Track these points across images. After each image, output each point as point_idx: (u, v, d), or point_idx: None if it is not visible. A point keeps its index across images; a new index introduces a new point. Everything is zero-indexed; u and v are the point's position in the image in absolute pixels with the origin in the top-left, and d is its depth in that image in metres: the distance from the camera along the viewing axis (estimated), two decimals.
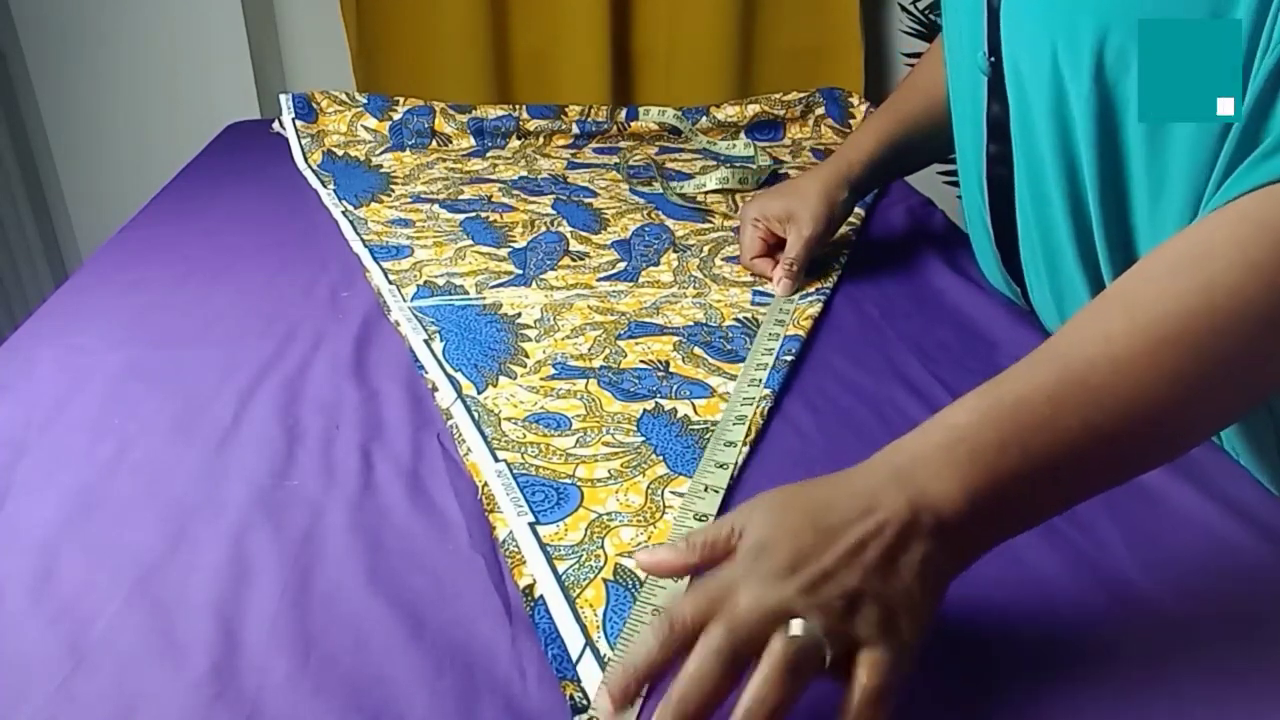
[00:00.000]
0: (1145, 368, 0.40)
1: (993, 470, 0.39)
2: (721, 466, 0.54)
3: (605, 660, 0.41)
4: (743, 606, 0.36)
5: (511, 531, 0.49)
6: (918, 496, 0.38)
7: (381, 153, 1.14)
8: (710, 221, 0.94)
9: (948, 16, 0.73)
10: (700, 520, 0.50)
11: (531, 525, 0.50)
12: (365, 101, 1.20)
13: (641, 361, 0.67)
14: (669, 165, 1.11)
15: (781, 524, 0.38)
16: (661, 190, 1.02)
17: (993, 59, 0.64)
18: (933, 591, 0.38)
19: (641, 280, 0.80)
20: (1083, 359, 0.41)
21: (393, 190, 1.02)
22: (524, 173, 1.08)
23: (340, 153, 1.13)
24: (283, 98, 1.20)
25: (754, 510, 0.40)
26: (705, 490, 0.52)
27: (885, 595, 0.37)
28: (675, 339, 0.70)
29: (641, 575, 0.46)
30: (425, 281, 0.79)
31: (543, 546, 0.48)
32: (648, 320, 0.73)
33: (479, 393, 0.62)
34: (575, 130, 1.19)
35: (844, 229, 0.89)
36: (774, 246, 0.81)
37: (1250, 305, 0.40)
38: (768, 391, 0.62)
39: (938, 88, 0.81)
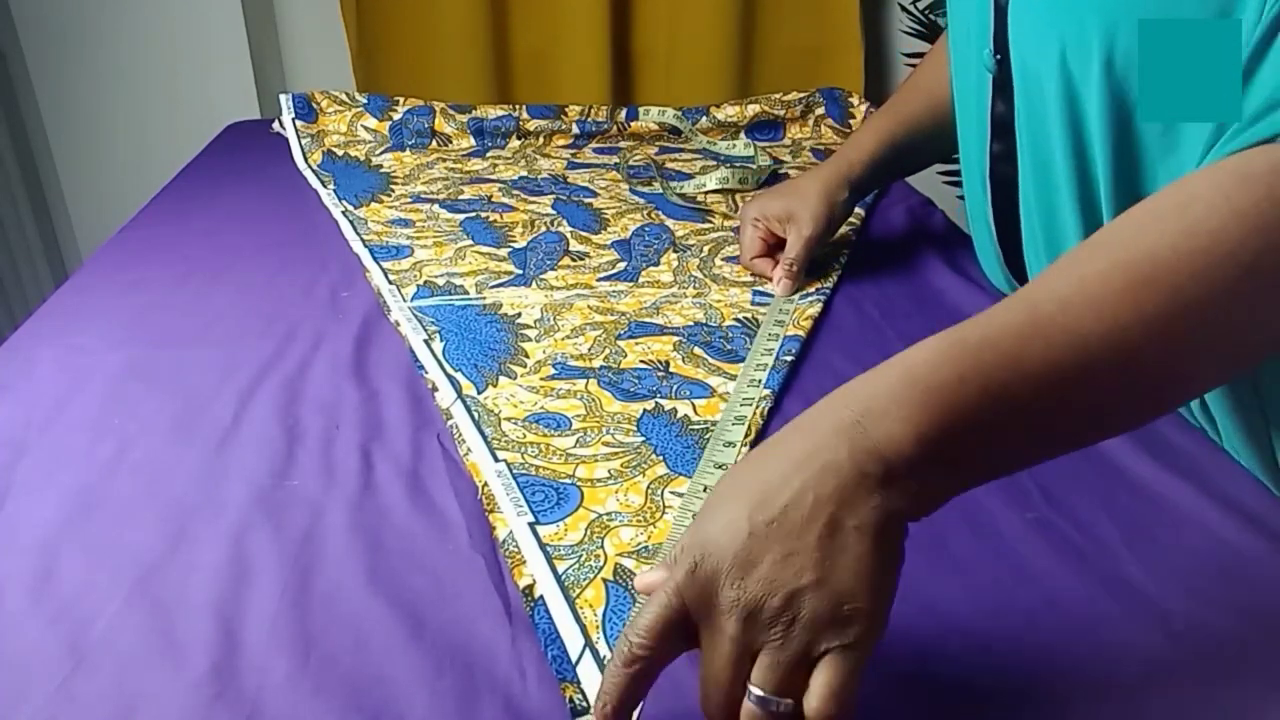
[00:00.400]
0: (1121, 308, 0.38)
1: (948, 409, 0.37)
2: (720, 467, 0.54)
3: (605, 662, 0.41)
4: (707, 662, 0.36)
5: (511, 531, 0.49)
6: (863, 447, 0.36)
7: (381, 153, 1.14)
8: (710, 221, 0.94)
9: (953, 14, 0.73)
10: None
11: (531, 525, 0.50)
12: (365, 101, 1.20)
13: (641, 361, 0.67)
14: (669, 165, 1.11)
15: (718, 524, 0.36)
16: (661, 190, 1.02)
17: (999, 57, 0.64)
18: (888, 547, 0.36)
19: (641, 280, 0.80)
20: (1055, 299, 0.39)
21: (393, 190, 1.02)
22: (524, 173, 1.08)
23: (340, 153, 1.13)
24: (283, 98, 1.20)
25: (706, 503, 0.38)
26: (704, 491, 0.52)
27: (832, 580, 0.35)
28: (675, 339, 0.70)
29: None
30: (425, 281, 0.79)
31: (543, 546, 0.48)
32: (648, 320, 0.73)
33: (479, 393, 0.62)
34: (575, 130, 1.19)
35: (844, 229, 0.89)
36: (774, 246, 0.81)
37: (1233, 250, 0.39)
38: (768, 392, 0.62)
39: (940, 88, 0.81)
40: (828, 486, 0.36)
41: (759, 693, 0.35)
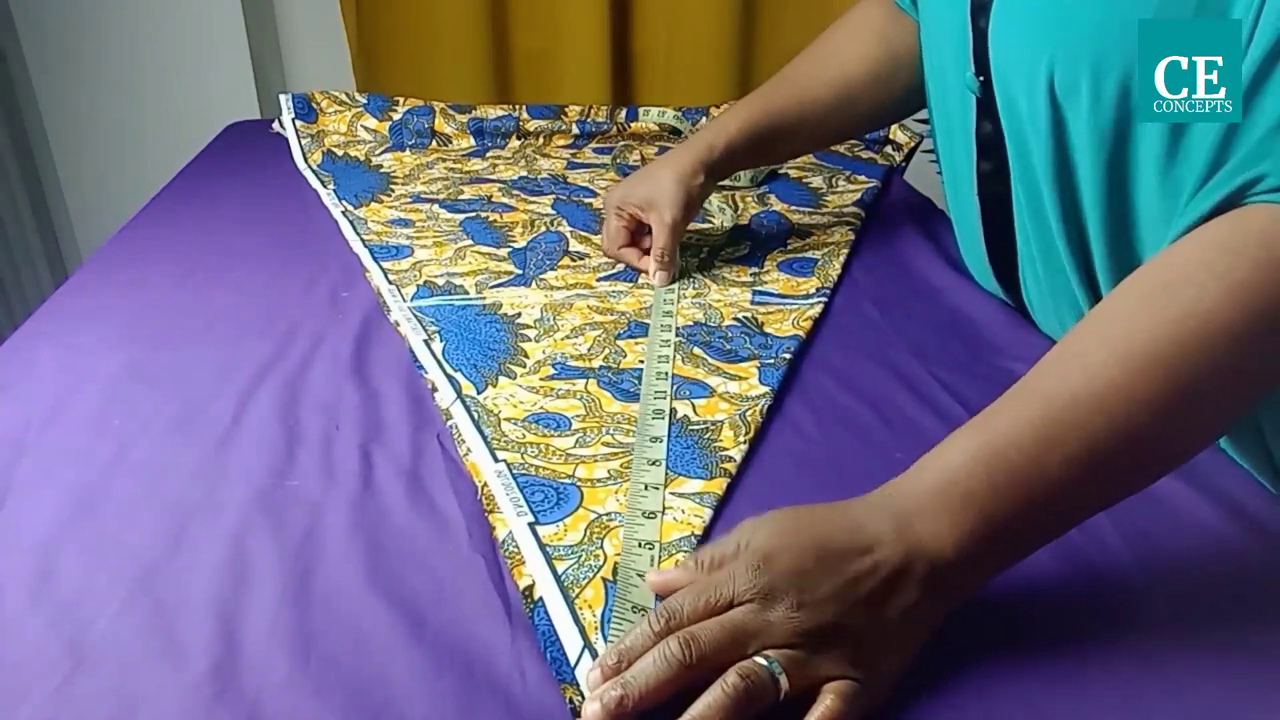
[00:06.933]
0: (1127, 399, 0.41)
1: (985, 514, 0.41)
2: (654, 464, 0.55)
3: None
4: (725, 618, 0.38)
5: (511, 532, 0.49)
6: (913, 543, 0.41)
7: (381, 153, 1.14)
8: (710, 222, 0.94)
9: (927, 34, 0.72)
10: (650, 518, 0.50)
11: (531, 525, 0.50)
12: (365, 101, 1.20)
13: (641, 362, 0.67)
14: None
15: (785, 542, 0.40)
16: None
17: (981, 78, 0.63)
18: (916, 633, 0.41)
19: (641, 280, 0.80)
20: (1066, 394, 0.42)
21: (393, 190, 1.02)
22: (524, 173, 1.08)
23: (340, 153, 1.13)
24: (283, 98, 1.20)
25: (761, 525, 0.41)
26: (645, 489, 0.53)
27: (867, 631, 0.39)
28: (675, 339, 0.70)
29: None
30: (425, 281, 0.79)
31: (542, 547, 0.48)
32: (648, 320, 0.73)
33: (479, 393, 0.62)
34: (575, 130, 1.19)
35: (844, 228, 0.89)
36: (637, 234, 0.82)
37: (1223, 329, 0.41)
38: (767, 390, 0.62)
39: (811, 81, 0.82)
40: (881, 561, 0.40)
41: (762, 659, 0.38)
